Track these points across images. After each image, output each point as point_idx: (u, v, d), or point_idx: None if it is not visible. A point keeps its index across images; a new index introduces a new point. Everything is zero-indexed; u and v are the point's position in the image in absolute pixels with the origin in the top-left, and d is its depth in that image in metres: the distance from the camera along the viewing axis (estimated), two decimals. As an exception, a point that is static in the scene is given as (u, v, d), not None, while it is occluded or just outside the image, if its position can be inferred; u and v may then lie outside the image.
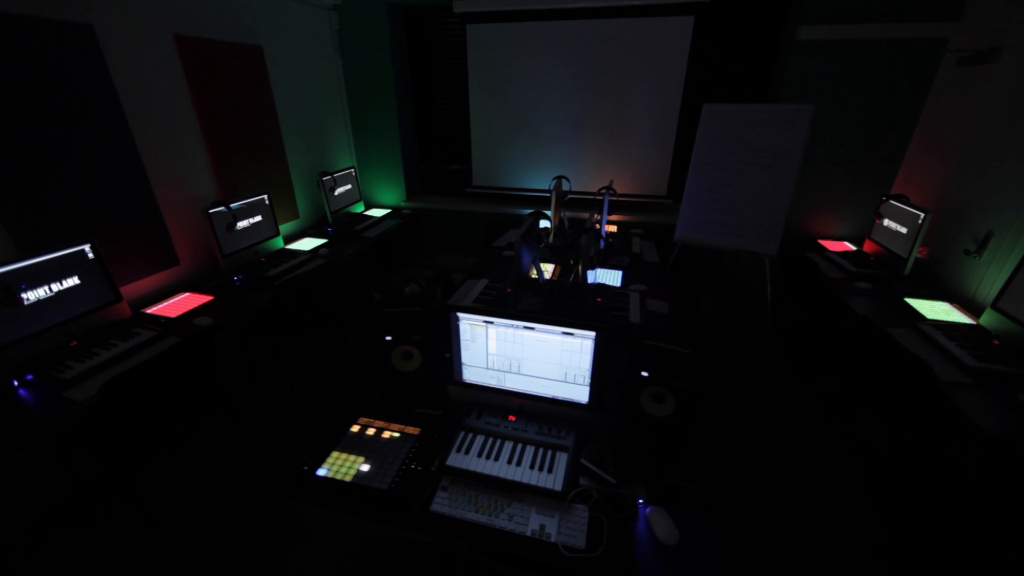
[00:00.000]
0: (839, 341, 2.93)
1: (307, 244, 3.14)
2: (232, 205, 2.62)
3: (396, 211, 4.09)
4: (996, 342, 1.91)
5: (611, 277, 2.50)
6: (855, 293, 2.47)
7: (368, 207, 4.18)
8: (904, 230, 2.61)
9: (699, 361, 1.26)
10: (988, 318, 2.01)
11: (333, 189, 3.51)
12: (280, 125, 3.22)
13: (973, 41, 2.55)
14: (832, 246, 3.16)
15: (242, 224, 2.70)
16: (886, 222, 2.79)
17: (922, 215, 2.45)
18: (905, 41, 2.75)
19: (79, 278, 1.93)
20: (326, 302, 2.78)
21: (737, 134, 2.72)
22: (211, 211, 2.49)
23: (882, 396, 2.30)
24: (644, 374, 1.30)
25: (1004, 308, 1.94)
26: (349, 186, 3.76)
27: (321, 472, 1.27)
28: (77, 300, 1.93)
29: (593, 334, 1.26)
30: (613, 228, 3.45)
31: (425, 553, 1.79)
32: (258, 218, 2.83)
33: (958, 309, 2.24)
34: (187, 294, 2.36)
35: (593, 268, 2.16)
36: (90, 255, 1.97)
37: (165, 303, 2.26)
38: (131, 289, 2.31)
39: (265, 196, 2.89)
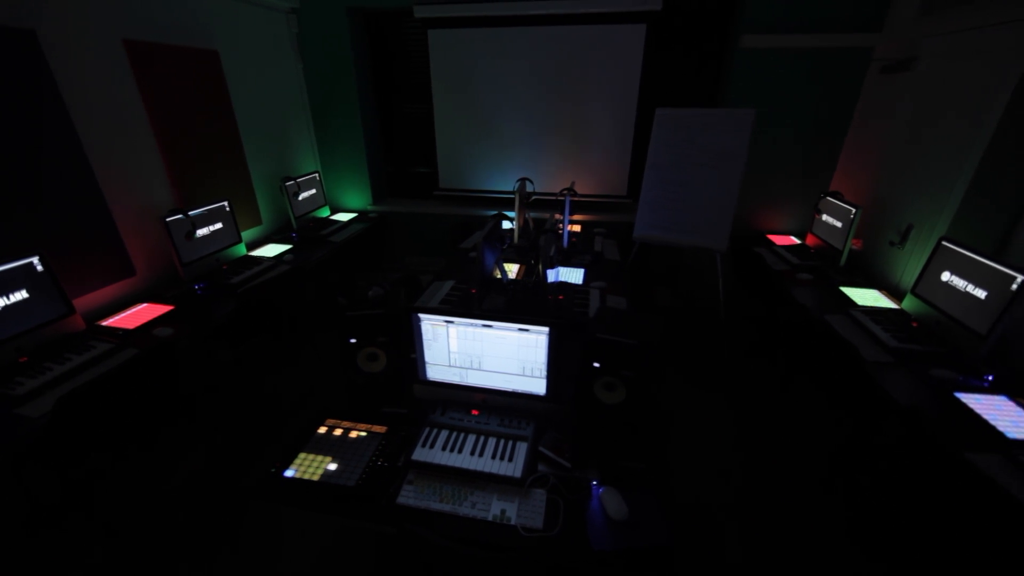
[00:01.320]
0: (786, 329, 3.15)
1: (271, 250, 3.11)
2: (190, 213, 2.58)
3: (363, 215, 4.08)
4: (915, 324, 2.11)
5: (574, 275, 2.60)
6: (798, 284, 2.66)
7: (334, 211, 4.16)
8: (839, 224, 2.83)
9: (646, 351, 1.36)
10: (909, 303, 2.22)
11: (297, 194, 3.48)
12: (239, 130, 3.17)
13: (893, 51, 2.79)
14: (779, 240, 3.38)
15: (202, 232, 2.66)
16: (824, 217, 3.02)
17: (853, 210, 2.67)
18: (836, 50, 2.98)
19: (27, 292, 1.88)
20: (293, 308, 2.77)
21: (688, 137, 2.88)
22: (168, 219, 2.44)
23: (823, 377, 2.50)
24: (596, 365, 1.40)
25: (921, 293, 2.15)
26: (313, 191, 3.73)
27: (289, 473, 1.31)
28: (26, 314, 1.87)
29: (547, 329, 1.35)
30: (577, 228, 3.57)
31: (400, 545, 1.83)
32: (219, 225, 2.79)
33: (885, 295, 2.46)
34: (145, 304, 2.32)
35: (553, 267, 2.25)
36: (39, 268, 1.92)
37: (122, 314, 2.21)
38: (85, 301, 2.25)
39: (225, 203, 2.84)
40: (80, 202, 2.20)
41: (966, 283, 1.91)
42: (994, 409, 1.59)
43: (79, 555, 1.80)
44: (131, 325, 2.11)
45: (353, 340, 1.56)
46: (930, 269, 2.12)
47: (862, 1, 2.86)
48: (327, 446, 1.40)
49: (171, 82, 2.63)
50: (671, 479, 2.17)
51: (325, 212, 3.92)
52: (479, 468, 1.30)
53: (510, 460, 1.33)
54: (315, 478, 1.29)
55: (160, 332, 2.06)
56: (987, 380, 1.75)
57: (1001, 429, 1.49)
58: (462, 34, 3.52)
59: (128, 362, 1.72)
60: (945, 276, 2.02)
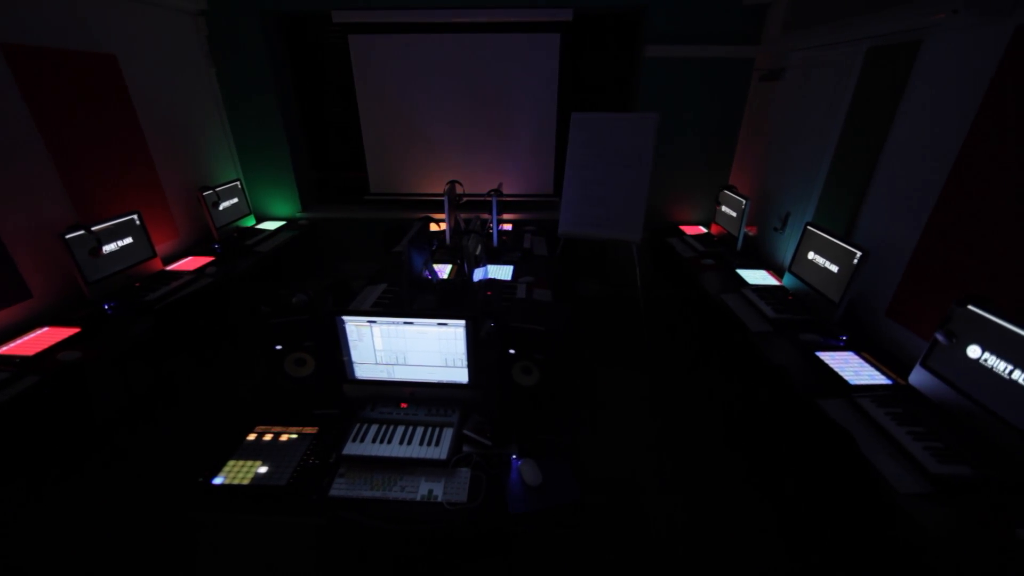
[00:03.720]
0: (695, 309, 3.50)
1: (191, 264, 2.98)
2: (94, 228, 2.43)
3: (292, 222, 3.98)
4: (790, 297, 2.47)
5: (503, 272, 2.74)
6: (703, 269, 2.98)
7: (260, 220, 4.02)
8: (734, 214, 3.20)
9: (554, 336, 1.53)
10: (787, 279, 2.58)
11: (216, 204, 3.34)
12: (146, 139, 3.00)
13: (768, 62, 3.20)
14: (689, 230, 3.74)
15: (109, 247, 2.51)
16: (723, 208, 3.39)
17: (744, 201, 3.04)
18: (726, 60, 3.36)
19: (-101, 323, 1.71)
20: (217, 321, 2.68)
21: (601, 138, 3.12)
22: (68, 236, 2.29)
23: (724, 348, 2.83)
24: (512, 351, 1.54)
25: (795, 271, 2.51)
26: (235, 199, 3.59)
27: (217, 480, 1.33)
28: (-101, 348, 1.71)
29: (463, 322, 1.47)
30: (508, 226, 3.73)
31: (334, 534, 1.87)
32: (128, 240, 2.64)
33: (771, 275, 2.84)
34: (46, 328, 2.16)
35: (481, 266, 2.38)
36: (-88, 296, 1.75)
37: (18, 341, 2.05)
38: (-29, 330, 2.06)
39: (135, 216, 2.70)
40: (-42, 222, 2.02)
41: (824, 260, 2.27)
42: (843, 363, 1.93)
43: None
44: (30, 351, 1.97)
45: (279, 347, 1.59)
46: (800, 249, 2.48)
47: (744, 18, 3.24)
48: (257, 451, 1.43)
49: (63, 89, 2.46)
50: (595, 447, 2.37)
51: (250, 221, 3.79)
52: (407, 455, 1.40)
53: (437, 445, 1.44)
54: (245, 482, 1.32)
55: (65, 356, 1.95)
56: (842, 340, 2.10)
57: (846, 378, 1.82)
58: (383, 40, 3.54)
59: (28, 390, 1.63)
60: (811, 255, 2.39)
